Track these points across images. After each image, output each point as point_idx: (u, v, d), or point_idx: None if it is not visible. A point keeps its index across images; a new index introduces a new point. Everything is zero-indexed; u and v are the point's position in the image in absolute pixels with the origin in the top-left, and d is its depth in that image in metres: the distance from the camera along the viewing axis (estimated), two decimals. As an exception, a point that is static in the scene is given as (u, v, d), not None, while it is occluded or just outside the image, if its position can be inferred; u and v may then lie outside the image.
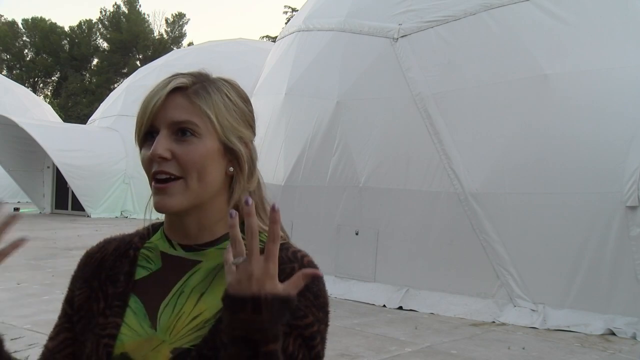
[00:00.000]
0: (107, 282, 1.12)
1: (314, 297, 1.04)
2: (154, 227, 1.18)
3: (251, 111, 1.14)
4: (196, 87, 1.07)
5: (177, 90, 1.07)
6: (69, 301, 1.16)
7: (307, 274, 0.94)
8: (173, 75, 1.09)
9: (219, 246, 1.10)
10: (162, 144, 1.04)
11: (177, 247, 1.11)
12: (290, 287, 0.92)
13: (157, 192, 1.06)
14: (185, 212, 1.08)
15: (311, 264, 1.08)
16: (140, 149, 1.09)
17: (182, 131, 1.05)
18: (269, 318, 0.89)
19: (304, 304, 1.02)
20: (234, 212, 0.93)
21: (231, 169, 1.09)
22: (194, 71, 1.12)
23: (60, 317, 1.16)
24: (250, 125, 1.13)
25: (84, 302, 1.12)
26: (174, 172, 1.05)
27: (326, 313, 1.06)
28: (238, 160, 1.10)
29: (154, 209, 1.09)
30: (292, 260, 1.07)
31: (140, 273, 1.12)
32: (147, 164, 1.07)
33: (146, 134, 1.08)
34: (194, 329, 1.03)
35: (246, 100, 1.13)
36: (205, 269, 1.09)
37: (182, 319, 1.05)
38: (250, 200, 0.92)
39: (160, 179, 1.05)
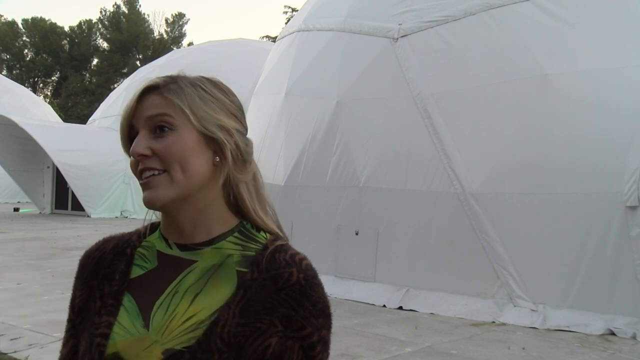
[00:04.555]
0: (104, 280, 1.12)
1: (312, 305, 1.04)
2: (153, 226, 1.18)
3: (234, 102, 1.13)
4: (169, 85, 1.08)
5: (150, 91, 1.08)
6: (72, 305, 1.17)
7: None
8: (148, 80, 1.11)
9: (215, 246, 1.09)
10: (141, 143, 1.05)
11: (173, 247, 1.11)
12: None
13: (143, 187, 1.07)
14: (174, 206, 1.07)
15: (309, 268, 1.07)
16: (129, 155, 1.10)
17: (159, 128, 1.06)
18: None
19: (301, 315, 1.03)
20: None
21: (217, 158, 1.09)
22: (171, 74, 1.13)
23: (67, 322, 1.17)
24: (234, 114, 1.12)
25: (84, 304, 1.13)
26: (157, 167, 1.05)
27: (327, 317, 1.06)
28: (221, 149, 1.09)
29: (149, 211, 1.10)
30: (290, 265, 1.06)
31: (136, 272, 1.12)
32: (134, 166, 1.08)
33: (131, 140, 1.09)
34: (187, 330, 1.02)
35: (227, 92, 1.13)
36: (200, 269, 1.08)
37: (175, 320, 1.04)
38: None
39: (146, 176, 1.06)
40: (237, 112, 1.13)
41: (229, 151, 1.09)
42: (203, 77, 1.12)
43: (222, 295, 1.05)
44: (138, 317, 1.06)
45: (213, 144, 1.08)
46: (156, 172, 1.05)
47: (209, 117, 1.08)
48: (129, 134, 1.09)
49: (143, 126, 1.06)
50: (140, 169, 1.06)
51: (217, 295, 1.05)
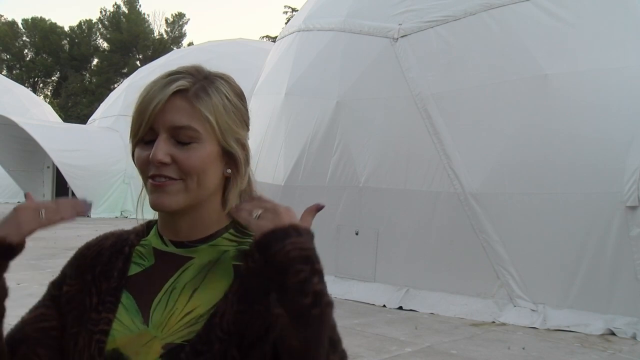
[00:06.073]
0: (100, 277, 1.12)
1: None
2: (150, 225, 1.18)
3: (246, 108, 1.14)
4: (196, 88, 1.06)
5: (176, 92, 1.05)
6: (57, 284, 1.17)
7: (312, 209, 1.02)
8: (171, 75, 1.07)
9: (211, 243, 1.10)
10: (162, 149, 1.03)
11: (169, 244, 1.11)
12: (305, 223, 1.01)
13: (154, 189, 1.05)
14: (180, 212, 1.08)
15: None
16: (135, 146, 1.08)
17: (183, 136, 1.04)
18: (310, 241, 0.97)
19: None
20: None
21: (228, 170, 1.09)
22: (189, 68, 1.09)
23: (46, 295, 1.17)
24: (246, 123, 1.13)
25: (76, 294, 1.12)
26: (173, 176, 1.04)
27: None
28: (235, 163, 1.09)
29: (146, 209, 1.09)
30: None
31: (134, 269, 1.12)
32: (143, 164, 1.05)
33: (144, 135, 1.06)
34: (187, 324, 1.04)
35: (242, 97, 1.13)
36: (197, 265, 1.09)
37: (174, 315, 1.05)
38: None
39: (159, 180, 1.04)
40: (247, 118, 1.14)
41: (242, 166, 1.10)
42: (222, 79, 1.10)
43: (220, 289, 1.06)
44: (137, 314, 1.07)
45: (227, 156, 1.09)
46: (171, 181, 1.04)
47: (230, 130, 1.07)
48: (147, 129, 1.05)
49: (165, 130, 1.04)
50: (154, 174, 1.04)
51: (215, 290, 1.06)
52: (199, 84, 1.07)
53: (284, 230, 0.95)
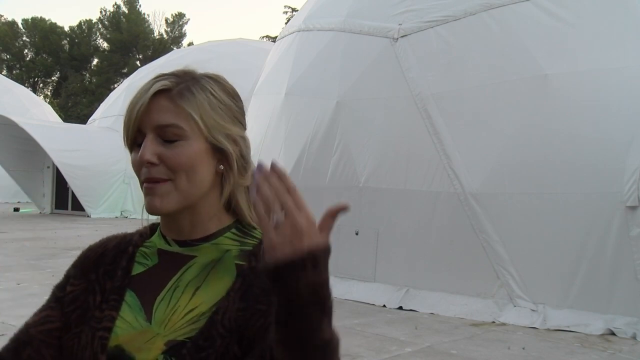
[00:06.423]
0: (105, 276, 1.14)
1: None
2: (153, 226, 1.20)
3: (239, 106, 1.14)
4: (180, 87, 1.07)
5: (160, 92, 1.06)
6: (61, 286, 1.18)
7: (333, 210, 0.91)
8: (156, 77, 1.09)
9: (213, 242, 1.11)
10: (149, 149, 1.05)
11: (172, 243, 1.13)
12: (325, 233, 0.90)
13: (147, 192, 1.07)
14: (177, 212, 1.09)
15: None
16: (130, 152, 1.10)
17: (168, 134, 1.06)
18: (325, 270, 0.88)
19: None
20: (262, 165, 0.88)
21: (221, 167, 1.10)
22: (178, 70, 1.11)
23: (51, 298, 1.18)
24: (239, 120, 1.13)
25: (81, 293, 1.14)
26: (163, 177, 1.06)
27: None
28: (227, 159, 1.10)
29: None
30: None
31: (137, 269, 1.14)
32: (137, 167, 1.08)
33: (135, 138, 1.08)
34: (189, 322, 1.05)
35: (232, 95, 1.13)
36: (199, 264, 1.10)
37: (177, 313, 1.06)
38: (263, 165, 0.88)
39: (150, 183, 1.07)
40: (241, 117, 1.14)
41: (234, 161, 1.10)
42: (210, 78, 1.12)
43: (222, 287, 1.07)
44: (140, 311, 1.08)
45: (218, 153, 1.09)
46: (161, 182, 1.06)
47: (218, 126, 1.08)
48: (135, 132, 1.08)
49: (151, 130, 1.06)
50: (145, 178, 1.06)
51: (218, 288, 1.07)
52: (184, 84, 1.08)
53: (301, 260, 0.85)
